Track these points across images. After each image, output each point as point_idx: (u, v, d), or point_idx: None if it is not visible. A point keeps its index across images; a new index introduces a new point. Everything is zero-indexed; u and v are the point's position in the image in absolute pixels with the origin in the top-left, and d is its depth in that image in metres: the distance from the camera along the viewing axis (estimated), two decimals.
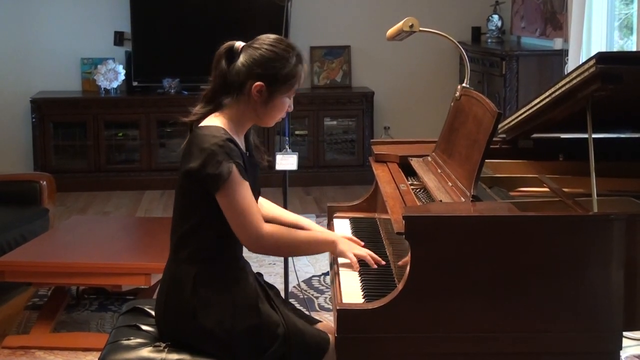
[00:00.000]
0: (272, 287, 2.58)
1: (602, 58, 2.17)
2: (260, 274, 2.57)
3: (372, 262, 2.47)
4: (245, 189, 2.33)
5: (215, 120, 2.40)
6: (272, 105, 2.43)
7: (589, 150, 2.27)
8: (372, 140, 3.30)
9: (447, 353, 2.12)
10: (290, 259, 3.78)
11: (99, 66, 6.84)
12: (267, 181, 2.53)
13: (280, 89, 2.42)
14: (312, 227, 2.66)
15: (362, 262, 2.47)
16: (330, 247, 2.50)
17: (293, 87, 2.45)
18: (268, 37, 2.45)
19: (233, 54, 2.43)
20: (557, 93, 2.40)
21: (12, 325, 3.97)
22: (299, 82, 2.45)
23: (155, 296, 3.53)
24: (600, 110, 2.36)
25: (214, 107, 2.43)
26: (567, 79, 2.32)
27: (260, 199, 2.61)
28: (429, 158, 2.84)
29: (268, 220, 2.48)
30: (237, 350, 2.35)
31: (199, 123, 2.41)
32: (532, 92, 5.36)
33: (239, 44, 2.44)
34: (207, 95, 2.45)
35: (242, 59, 2.41)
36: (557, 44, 5.84)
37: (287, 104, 2.48)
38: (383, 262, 2.47)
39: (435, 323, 2.09)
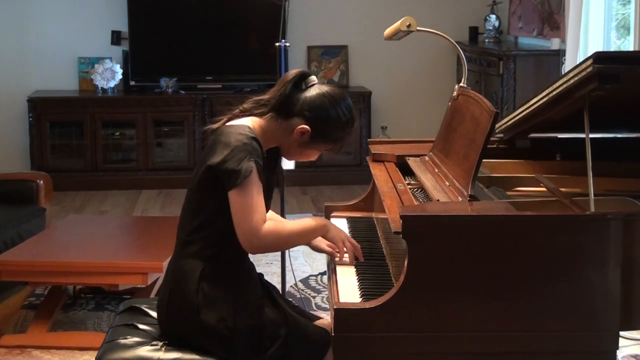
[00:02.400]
0: (273, 287, 2.58)
1: (599, 58, 2.17)
2: (260, 274, 2.57)
3: (353, 256, 2.48)
4: (258, 189, 2.33)
5: (245, 120, 2.42)
6: (304, 150, 2.49)
7: (586, 150, 2.27)
8: (369, 139, 3.30)
9: (444, 352, 2.12)
10: (287, 257, 3.79)
11: (96, 65, 6.83)
12: None
13: (321, 143, 2.47)
14: None
15: (360, 264, 2.48)
16: (322, 231, 2.50)
17: (331, 147, 2.49)
18: (341, 95, 2.47)
19: (303, 82, 2.45)
20: (554, 93, 2.40)
21: (8, 324, 3.96)
22: (340, 147, 2.50)
23: (154, 294, 3.56)
24: (598, 110, 2.36)
25: (252, 111, 2.45)
26: (565, 79, 2.32)
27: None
28: (427, 157, 2.84)
29: None
30: (238, 347, 2.36)
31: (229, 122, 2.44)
32: (529, 92, 5.35)
33: (313, 78, 2.46)
34: (256, 102, 2.46)
35: (308, 96, 2.43)
36: (555, 44, 5.84)
37: (316, 156, 2.53)
38: (361, 259, 2.49)
39: (432, 322, 2.09)
